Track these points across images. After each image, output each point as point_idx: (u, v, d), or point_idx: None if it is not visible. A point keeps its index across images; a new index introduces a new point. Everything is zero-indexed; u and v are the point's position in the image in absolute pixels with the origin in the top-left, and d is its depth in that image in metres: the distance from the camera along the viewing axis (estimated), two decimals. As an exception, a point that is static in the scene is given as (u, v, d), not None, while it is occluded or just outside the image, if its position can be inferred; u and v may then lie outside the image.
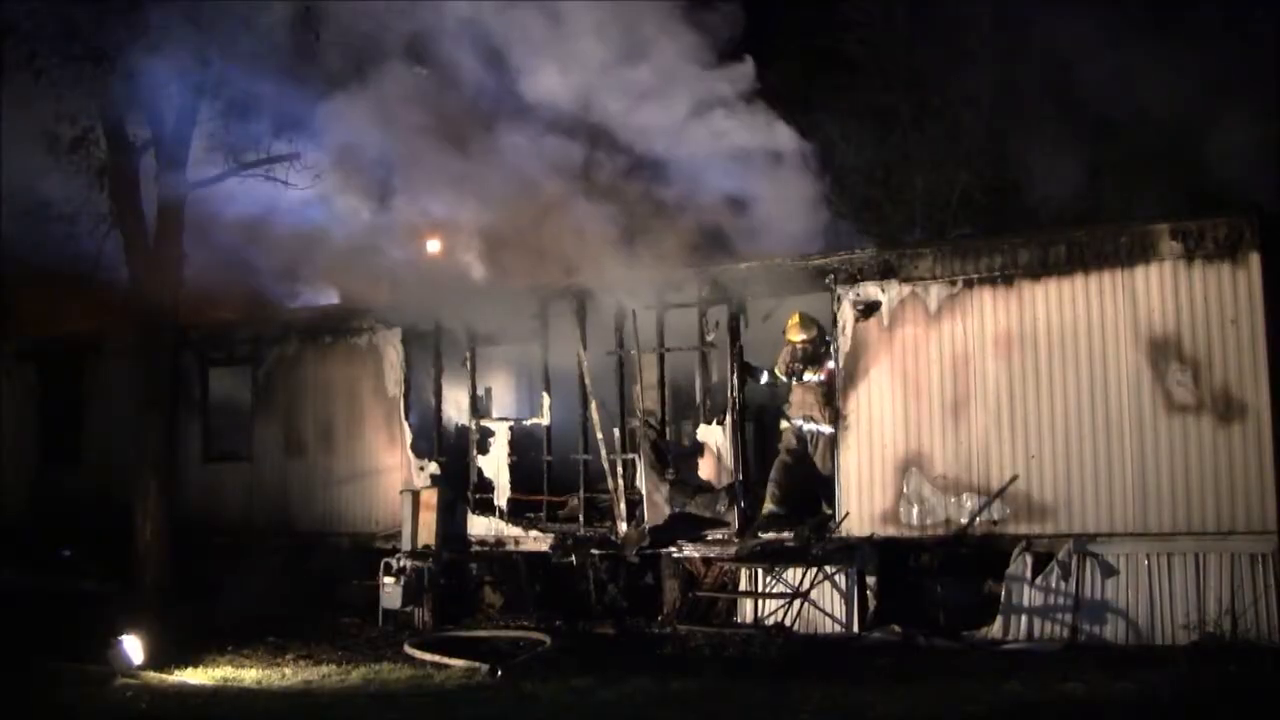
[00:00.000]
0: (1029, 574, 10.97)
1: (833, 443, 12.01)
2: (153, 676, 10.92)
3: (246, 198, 14.62)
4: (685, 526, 12.50)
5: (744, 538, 12.14)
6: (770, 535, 12.01)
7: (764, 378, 12.75)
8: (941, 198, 18.97)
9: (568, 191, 12.80)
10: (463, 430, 14.36)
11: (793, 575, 11.81)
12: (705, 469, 12.84)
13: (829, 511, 11.97)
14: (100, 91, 12.96)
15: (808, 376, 12.40)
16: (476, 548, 13.84)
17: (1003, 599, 11.06)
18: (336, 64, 13.37)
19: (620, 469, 12.92)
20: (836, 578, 11.74)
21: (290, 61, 13.13)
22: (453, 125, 13.30)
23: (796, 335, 12.44)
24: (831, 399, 12.11)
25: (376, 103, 13.34)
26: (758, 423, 13.50)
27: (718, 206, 12.95)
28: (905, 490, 11.55)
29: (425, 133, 13.24)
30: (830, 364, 12.18)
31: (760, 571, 12.04)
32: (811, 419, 12.33)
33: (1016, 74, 17.97)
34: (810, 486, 12.32)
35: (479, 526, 13.83)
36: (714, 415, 12.70)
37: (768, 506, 12.30)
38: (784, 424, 12.59)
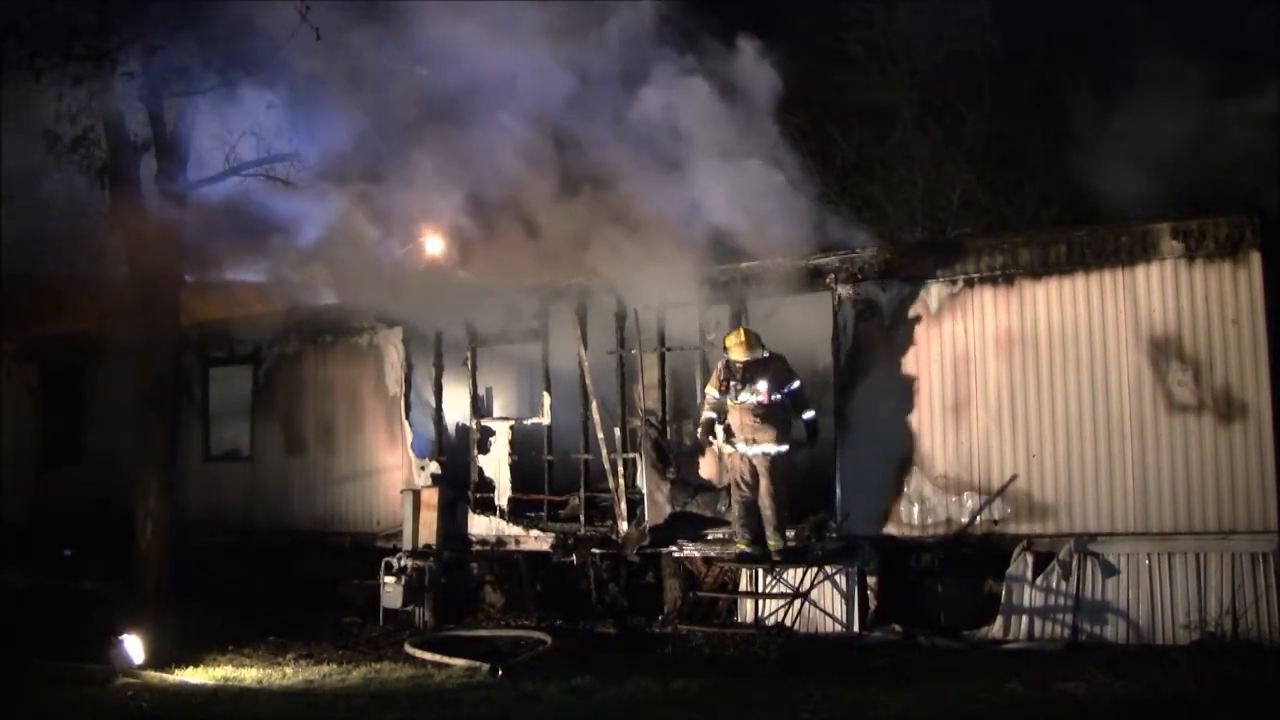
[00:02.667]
0: (1030, 573, 10.97)
1: (779, 462, 11.28)
2: (153, 676, 10.95)
3: (247, 196, 14.60)
4: (686, 526, 12.51)
5: (744, 537, 12.12)
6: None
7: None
8: (942, 197, 18.92)
9: (569, 191, 12.77)
10: (463, 429, 14.36)
11: (793, 575, 11.80)
12: (706, 468, 12.85)
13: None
14: (101, 91, 12.94)
15: (743, 398, 11.31)
16: (477, 547, 13.84)
17: (1003, 598, 11.06)
18: (337, 65, 13.33)
19: (621, 468, 12.93)
20: (837, 577, 11.75)
21: (292, 61, 13.09)
22: (452, 124, 13.28)
23: (740, 355, 11.33)
24: (772, 418, 11.27)
25: (376, 102, 13.31)
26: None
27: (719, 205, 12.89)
28: (906, 490, 11.55)
29: (426, 132, 13.21)
30: (764, 384, 11.26)
31: (761, 571, 12.03)
32: (754, 441, 11.34)
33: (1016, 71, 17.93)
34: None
35: (480, 526, 13.83)
36: (715, 414, 12.68)
37: (739, 548, 11.59)
38: (726, 448, 11.55)
